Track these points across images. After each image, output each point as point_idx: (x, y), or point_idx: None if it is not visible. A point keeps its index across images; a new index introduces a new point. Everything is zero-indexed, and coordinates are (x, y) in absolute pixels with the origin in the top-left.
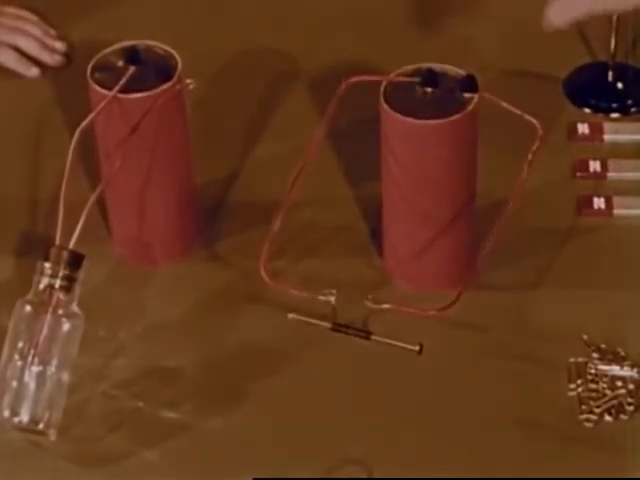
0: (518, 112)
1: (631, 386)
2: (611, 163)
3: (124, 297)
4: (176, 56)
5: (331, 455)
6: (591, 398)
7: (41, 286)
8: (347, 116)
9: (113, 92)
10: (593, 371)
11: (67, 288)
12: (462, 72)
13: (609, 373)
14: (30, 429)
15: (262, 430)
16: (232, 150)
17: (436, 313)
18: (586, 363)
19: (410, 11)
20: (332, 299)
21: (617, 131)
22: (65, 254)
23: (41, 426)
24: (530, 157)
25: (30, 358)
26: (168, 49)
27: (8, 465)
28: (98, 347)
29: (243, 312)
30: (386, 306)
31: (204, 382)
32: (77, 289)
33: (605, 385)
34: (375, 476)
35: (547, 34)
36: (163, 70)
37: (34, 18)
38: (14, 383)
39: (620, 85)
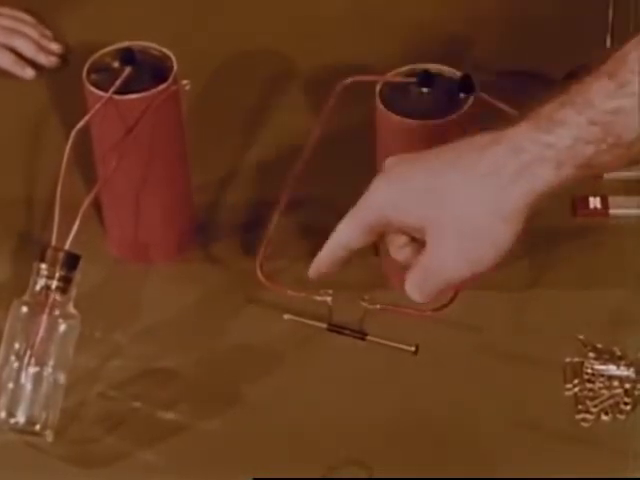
0: (515, 112)
1: (627, 385)
2: None
3: (120, 298)
4: (172, 57)
5: (331, 455)
6: (588, 398)
7: (37, 287)
8: (344, 116)
9: (109, 93)
10: (589, 371)
11: (63, 289)
12: (458, 72)
13: (605, 373)
14: (27, 430)
15: (260, 430)
16: (229, 151)
17: (432, 313)
18: (582, 363)
19: (407, 12)
20: (329, 299)
21: None
22: (61, 255)
23: (38, 427)
24: None
25: (27, 359)
26: (164, 50)
27: (5, 467)
28: (94, 348)
29: (240, 312)
30: (382, 306)
31: (201, 382)
32: (73, 290)
33: (602, 385)
34: (375, 476)
35: (545, 34)
36: (159, 71)
37: (30, 20)
38: (10, 384)
39: None
